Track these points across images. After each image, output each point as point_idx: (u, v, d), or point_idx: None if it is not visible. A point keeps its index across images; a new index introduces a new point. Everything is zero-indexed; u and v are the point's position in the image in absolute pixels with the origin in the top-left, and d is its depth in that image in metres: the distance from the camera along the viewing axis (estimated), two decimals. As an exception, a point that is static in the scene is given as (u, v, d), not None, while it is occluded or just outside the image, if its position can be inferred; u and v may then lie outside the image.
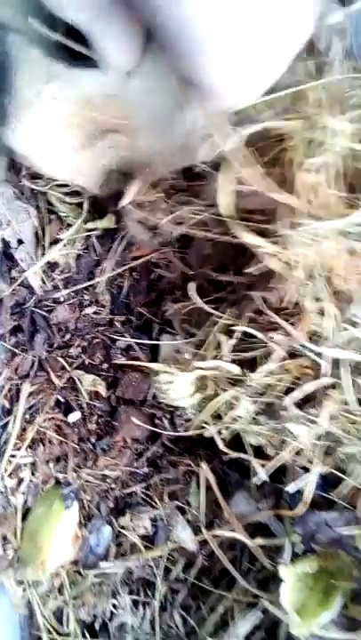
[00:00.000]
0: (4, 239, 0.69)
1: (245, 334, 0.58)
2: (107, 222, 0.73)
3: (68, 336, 0.79)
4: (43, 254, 0.73)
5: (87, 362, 0.79)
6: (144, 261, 0.75)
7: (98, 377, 0.77)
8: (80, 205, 0.74)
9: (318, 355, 0.54)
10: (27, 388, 0.76)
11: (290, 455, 0.58)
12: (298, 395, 0.54)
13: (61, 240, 0.72)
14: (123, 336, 0.77)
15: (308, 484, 0.54)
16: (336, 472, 0.55)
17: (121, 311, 0.77)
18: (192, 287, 0.62)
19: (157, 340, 0.76)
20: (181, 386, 0.61)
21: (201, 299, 0.64)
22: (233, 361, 0.60)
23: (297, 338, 0.53)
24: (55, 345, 0.79)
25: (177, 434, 0.70)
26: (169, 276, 0.69)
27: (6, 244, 0.70)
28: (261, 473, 0.58)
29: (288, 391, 0.59)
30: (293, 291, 0.52)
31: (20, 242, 0.71)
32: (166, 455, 0.73)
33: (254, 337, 0.57)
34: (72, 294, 0.76)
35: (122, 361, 0.75)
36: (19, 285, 0.74)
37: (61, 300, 0.77)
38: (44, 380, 0.78)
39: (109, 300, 0.77)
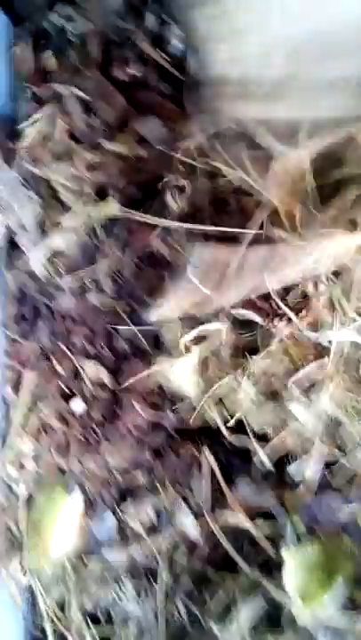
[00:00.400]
0: (7, 226, 0.68)
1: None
2: (108, 208, 0.72)
3: (70, 324, 0.78)
4: (44, 241, 0.72)
5: (90, 350, 0.78)
6: (147, 247, 0.74)
7: (101, 365, 0.76)
8: (82, 191, 0.73)
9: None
10: (30, 377, 0.76)
11: (292, 438, 0.57)
12: (300, 376, 0.53)
13: (61, 227, 0.70)
14: (126, 323, 0.76)
15: (310, 467, 0.53)
16: (338, 455, 0.54)
17: (124, 298, 0.76)
18: (192, 272, 0.62)
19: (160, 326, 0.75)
20: (183, 370, 0.60)
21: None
22: (234, 346, 0.59)
23: (300, 325, 0.52)
24: (58, 333, 0.78)
25: (180, 422, 0.68)
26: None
27: (10, 231, 0.69)
28: (263, 456, 0.57)
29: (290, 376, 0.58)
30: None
31: (23, 228, 0.70)
32: (169, 443, 0.72)
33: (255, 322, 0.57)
34: (75, 281, 0.75)
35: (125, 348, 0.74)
36: (21, 272, 0.73)
37: (64, 287, 0.76)
38: (48, 369, 0.77)
39: (112, 287, 0.76)
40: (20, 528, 0.72)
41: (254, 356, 0.55)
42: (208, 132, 0.67)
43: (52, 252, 0.73)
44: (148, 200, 0.70)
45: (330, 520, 0.54)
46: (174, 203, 0.67)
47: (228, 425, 0.60)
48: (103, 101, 0.73)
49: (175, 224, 0.64)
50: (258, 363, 0.57)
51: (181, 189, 0.67)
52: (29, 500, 0.74)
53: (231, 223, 0.65)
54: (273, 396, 0.57)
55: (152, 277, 0.75)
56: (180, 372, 0.65)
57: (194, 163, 0.66)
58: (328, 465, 0.56)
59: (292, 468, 0.57)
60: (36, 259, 0.70)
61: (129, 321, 0.77)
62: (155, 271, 0.74)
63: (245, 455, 0.63)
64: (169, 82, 0.74)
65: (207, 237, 0.64)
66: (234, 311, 0.56)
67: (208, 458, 0.65)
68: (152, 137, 0.73)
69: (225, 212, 0.66)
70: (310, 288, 0.57)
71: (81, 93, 0.73)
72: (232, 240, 0.62)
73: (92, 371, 0.76)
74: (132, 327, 0.75)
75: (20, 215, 0.70)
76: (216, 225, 0.63)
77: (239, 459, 0.64)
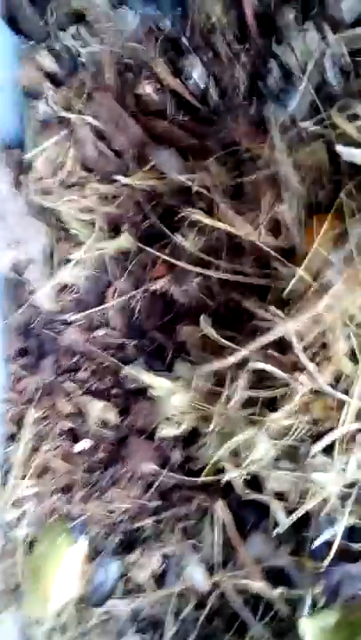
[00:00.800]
0: (14, 259, 0.64)
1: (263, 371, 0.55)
2: (122, 242, 0.69)
3: (76, 359, 0.75)
4: (52, 274, 0.68)
5: (96, 386, 0.75)
6: (160, 283, 0.70)
7: (107, 402, 0.73)
8: (93, 223, 0.70)
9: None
10: (32, 414, 0.73)
11: (312, 499, 0.54)
12: (325, 442, 0.50)
13: (71, 260, 0.67)
14: (134, 361, 0.73)
15: (334, 537, 0.50)
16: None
17: (133, 335, 0.73)
18: (206, 321, 0.59)
19: (171, 365, 0.72)
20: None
21: (220, 323, 0.60)
22: (250, 399, 0.56)
23: (322, 381, 0.49)
24: (63, 368, 0.75)
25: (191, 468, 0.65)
26: (185, 300, 0.65)
27: (16, 264, 0.66)
28: (280, 515, 0.55)
29: (310, 433, 0.55)
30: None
31: (30, 261, 0.67)
32: (179, 488, 0.69)
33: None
34: (82, 316, 0.71)
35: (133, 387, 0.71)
36: (28, 305, 0.69)
37: (71, 321, 0.73)
38: (51, 406, 0.74)
39: (121, 322, 0.74)
40: (19, 574, 0.68)
41: (274, 414, 0.51)
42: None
43: (60, 286, 0.69)
44: (163, 235, 0.66)
45: (353, 588, 0.51)
46: (189, 241, 0.63)
47: (244, 478, 0.57)
48: (117, 130, 0.69)
49: (189, 267, 0.61)
50: (277, 418, 0.54)
51: (198, 227, 0.63)
52: (30, 544, 0.70)
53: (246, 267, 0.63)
54: (292, 455, 0.54)
55: (164, 316, 0.72)
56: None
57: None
58: (352, 530, 0.53)
59: (311, 530, 0.53)
60: (43, 293, 0.67)
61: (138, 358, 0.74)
62: (167, 309, 0.71)
63: (261, 509, 0.60)
64: (188, 112, 0.70)
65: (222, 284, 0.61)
66: (252, 364, 0.52)
67: (221, 509, 0.61)
68: (169, 169, 0.70)
69: (241, 254, 0.63)
70: (330, 338, 0.54)
71: (94, 121, 0.69)
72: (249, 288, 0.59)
73: (99, 409, 0.73)
74: (141, 365, 0.72)
75: (28, 248, 0.66)
76: (232, 272, 0.59)
77: (254, 512, 0.61)
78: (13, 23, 0.71)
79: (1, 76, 0.68)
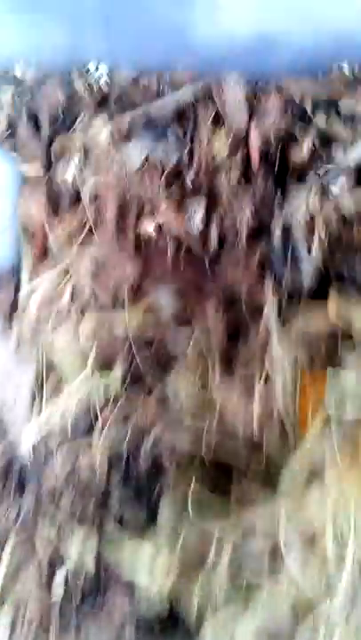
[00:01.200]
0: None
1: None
2: (112, 379, 0.67)
3: (58, 489, 0.73)
4: (39, 411, 0.66)
5: (77, 522, 0.73)
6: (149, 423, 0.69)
7: (87, 540, 0.71)
8: (84, 359, 0.68)
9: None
10: (9, 545, 0.70)
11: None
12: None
13: (59, 398, 0.65)
14: (118, 497, 0.71)
15: None
16: None
17: (119, 470, 0.71)
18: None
19: (156, 505, 0.70)
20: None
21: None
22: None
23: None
24: (44, 501, 0.73)
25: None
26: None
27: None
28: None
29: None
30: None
31: (15, 401, 0.65)
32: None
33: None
34: (67, 453, 0.69)
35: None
36: (8, 442, 0.67)
37: (54, 454, 0.70)
38: (30, 538, 0.72)
39: (107, 456, 0.71)
40: None
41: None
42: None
43: (45, 424, 0.67)
44: (155, 380, 0.64)
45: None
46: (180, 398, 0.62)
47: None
48: (115, 267, 0.67)
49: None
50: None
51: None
52: None
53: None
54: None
55: (153, 457, 0.70)
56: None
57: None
58: None
59: None
60: (26, 436, 0.64)
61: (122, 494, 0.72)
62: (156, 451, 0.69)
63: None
64: (188, 251, 0.69)
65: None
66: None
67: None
68: (166, 308, 0.68)
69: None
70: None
71: (92, 255, 0.67)
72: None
73: (78, 545, 0.70)
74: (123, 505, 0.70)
75: (13, 385, 0.64)
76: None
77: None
78: (16, 154, 0.69)
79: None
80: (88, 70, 0.70)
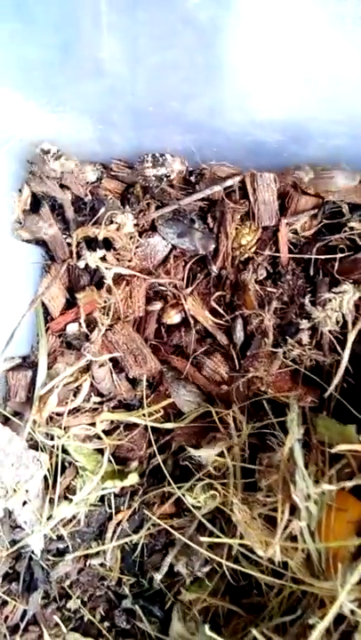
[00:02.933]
0: (6, 509, 0.59)
1: None
2: (129, 481, 0.64)
3: (67, 585, 0.69)
4: (50, 510, 0.63)
5: (86, 618, 0.69)
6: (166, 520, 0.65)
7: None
8: (101, 451, 0.65)
9: None
10: (15, 645, 0.66)
11: None
12: None
13: (72, 499, 0.62)
14: (130, 601, 0.68)
15: None
16: None
17: (131, 572, 0.68)
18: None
19: (170, 611, 0.66)
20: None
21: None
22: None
23: None
24: (52, 596, 0.69)
25: None
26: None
27: (8, 512, 0.61)
28: None
29: None
30: None
31: (25, 503, 0.61)
32: None
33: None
34: (79, 551, 0.66)
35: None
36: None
37: (65, 552, 0.67)
38: (36, 637, 0.68)
39: (120, 557, 0.68)
40: None
41: None
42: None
43: (56, 523, 0.64)
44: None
45: None
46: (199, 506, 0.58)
47: None
48: (135, 362, 0.64)
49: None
50: None
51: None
52: None
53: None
54: None
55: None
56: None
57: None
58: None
59: None
60: (36, 538, 0.61)
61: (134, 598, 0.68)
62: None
63: None
64: (212, 347, 0.66)
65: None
66: None
67: None
68: (182, 405, 0.65)
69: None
70: None
71: (112, 346, 0.64)
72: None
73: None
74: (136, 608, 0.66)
75: (25, 488, 0.61)
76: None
77: None
78: (38, 243, 0.67)
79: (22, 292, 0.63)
80: (112, 160, 0.68)
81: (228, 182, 0.63)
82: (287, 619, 0.51)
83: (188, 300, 0.65)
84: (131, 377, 0.67)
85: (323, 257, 0.62)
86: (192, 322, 0.66)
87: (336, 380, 0.58)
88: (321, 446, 0.56)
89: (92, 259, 0.65)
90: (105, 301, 0.66)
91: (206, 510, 0.61)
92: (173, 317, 0.66)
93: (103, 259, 0.66)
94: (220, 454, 0.59)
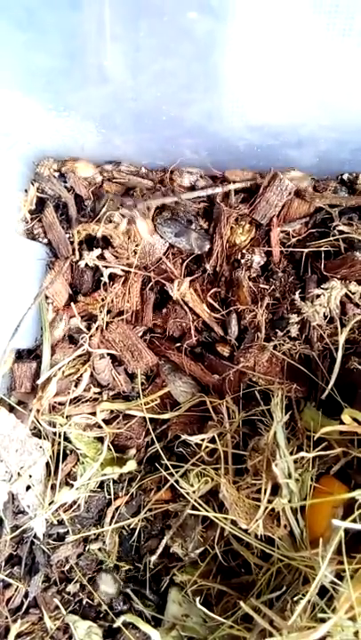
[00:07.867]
0: (10, 492, 0.62)
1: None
2: (128, 467, 0.67)
3: (67, 570, 0.72)
4: (52, 495, 0.66)
5: (85, 601, 0.72)
6: (162, 505, 0.68)
7: (93, 622, 0.70)
8: (101, 439, 0.68)
9: None
10: (16, 628, 0.69)
11: None
12: None
13: (73, 485, 0.65)
14: (127, 584, 0.71)
15: None
16: None
17: (128, 556, 0.71)
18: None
19: (165, 595, 0.69)
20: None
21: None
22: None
23: None
24: (52, 579, 0.72)
25: None
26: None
27: (13, 496, 0.64)
28: None
29: None
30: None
31: (29, 488, 0.65)
32: None
33: None
34: (79, 535, 0.69)
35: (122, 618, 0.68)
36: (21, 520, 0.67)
37: (65, 536, 0.70)
38: (37, 619, 0.71)
39: (117, 542, 0.71)
40: None
41: None
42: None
43: (58, 508, 0.67)
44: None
45: None
46: (193, 489, 0.61)
47: None
48: (132, 358, 0.67)
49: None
50: None
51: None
52: None
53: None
54: None
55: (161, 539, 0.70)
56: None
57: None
58: None
59: None
60: (38, 521, 0.64)
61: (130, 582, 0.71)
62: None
63: None
64: (205, 341, 0.69)
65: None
66: None
67: None
68: (179, 396, 0.68)
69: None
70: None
71: (112, 339, 0.67)
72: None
73: (84, 630, 0.69)
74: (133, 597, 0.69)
75: (28, 474, 0.64)
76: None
77: None
78: (43, 240, 0.70)
79: (28, 288, 0.67)
80: (114, 162, 0.71)
81: (231, 186, 0.67)
82: (274, 595, 0.54)
83: (187, 293, 0.68)
84: (129, 372, 0.70)
85: (313, 250, 0.65)
86: (191, 316, 0.69)
87: (333, 380, 0.61)
88: (306, 432, 0.59)
89: (89, 257, 0.68)
90: (102, 299, 0.70)
91: (200, 494, 0.63)
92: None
93: (102, 256, 0.69)
94: (213, 441, 0.62)
